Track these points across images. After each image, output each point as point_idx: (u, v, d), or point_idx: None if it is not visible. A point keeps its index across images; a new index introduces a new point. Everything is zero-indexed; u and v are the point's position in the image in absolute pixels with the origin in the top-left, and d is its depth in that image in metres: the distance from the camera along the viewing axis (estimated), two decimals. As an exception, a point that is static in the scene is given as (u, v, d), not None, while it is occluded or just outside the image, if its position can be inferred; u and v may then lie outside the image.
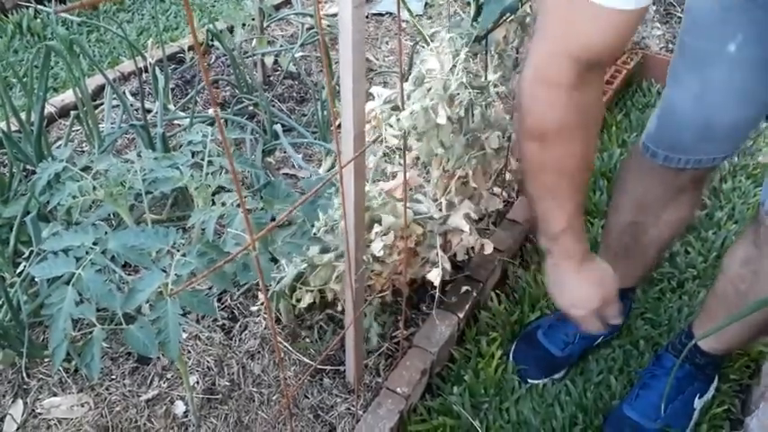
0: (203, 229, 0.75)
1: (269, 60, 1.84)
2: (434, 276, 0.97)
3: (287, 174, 1.59)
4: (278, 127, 1.47)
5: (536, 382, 1.22)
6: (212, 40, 1.93)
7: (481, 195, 1.07)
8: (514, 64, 1.14)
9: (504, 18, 1.04)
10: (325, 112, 1.58)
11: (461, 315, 1.21)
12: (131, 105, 1.66)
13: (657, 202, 1.10)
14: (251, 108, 1.69)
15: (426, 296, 1.27)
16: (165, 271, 0.70)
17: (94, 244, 0.71)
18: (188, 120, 1.43)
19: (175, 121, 1.61)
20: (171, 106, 1.65)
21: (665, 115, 1.00)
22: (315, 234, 0.98)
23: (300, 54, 1.82)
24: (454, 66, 0.84)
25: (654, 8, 2.34)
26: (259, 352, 1.15)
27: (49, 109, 1.67)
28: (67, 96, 1.74)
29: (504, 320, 1.30)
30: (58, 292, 0.68)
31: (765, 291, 0.96)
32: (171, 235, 0.73)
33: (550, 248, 0.88)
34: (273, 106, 1.74)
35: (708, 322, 1.11)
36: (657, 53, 2.13)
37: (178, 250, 0.73)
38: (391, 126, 0.83)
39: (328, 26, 2.00)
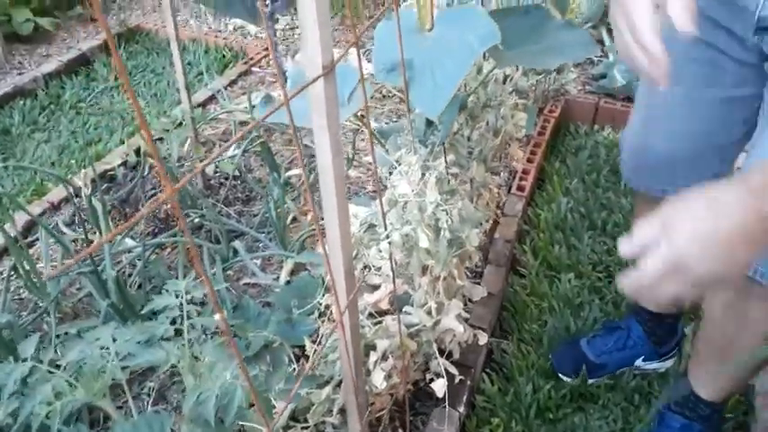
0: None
1: (209, 168, 1.79)
2: (439, 387, 0.94)
3: (247, 283, 1.53)
4: (237, 244, 1.41)
5: (565, 378, 1.35)
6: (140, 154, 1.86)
7: (466, 288, 1.06)
8: (468, 151, 1.16)
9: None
10: (278, 210, 1.54)
11: (462, 410, 1.17)
12: (66, 236, 1.56)
13: None
14: (197, 220, 1.63)
15: (420, 393, 1.24)
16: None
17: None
18: (139, 248, 1.35)
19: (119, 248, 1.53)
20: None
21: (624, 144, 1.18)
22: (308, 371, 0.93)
23: (238, 155, 1.78)
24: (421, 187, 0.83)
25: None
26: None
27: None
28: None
29: (501, 403, 1.28)
30: None
31: (753, 334, 0.99)
32: (166, 424, 0.67)
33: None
34: (220, 212, 1.69)
35: (700, 368, 1.13)
36: (577, 96, 2.23)
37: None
38: (379, 251, 0.80)
39: (259, 119, 1.98)
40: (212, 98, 2.24)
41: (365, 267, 1.03)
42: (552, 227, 1.73)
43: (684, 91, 0.99)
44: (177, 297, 0.79)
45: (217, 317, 0.48)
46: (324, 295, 0.98)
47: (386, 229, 0.78)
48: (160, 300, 0.78)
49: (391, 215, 0.82)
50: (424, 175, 0.87)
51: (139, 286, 1.43)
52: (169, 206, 1.72)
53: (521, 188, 1.74)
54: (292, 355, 1.11)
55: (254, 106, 1.97)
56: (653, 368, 1.38)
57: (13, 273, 1.48)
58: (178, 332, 0.77)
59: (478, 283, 1.38)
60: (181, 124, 1.73)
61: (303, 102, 0.61)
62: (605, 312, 1.51)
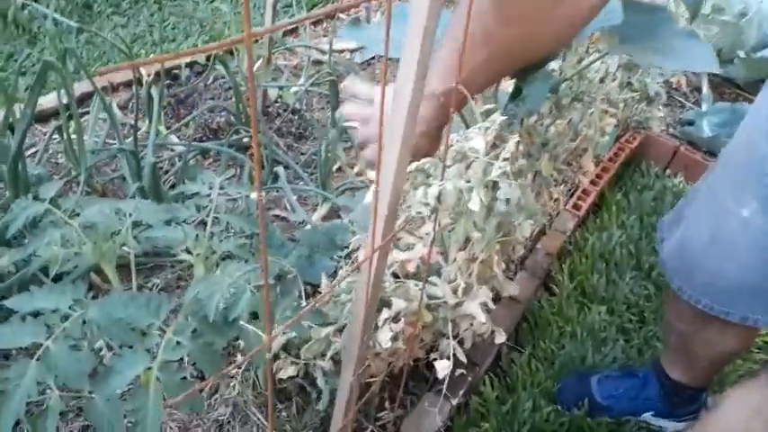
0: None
1: (272, 91, 1.75)
2: (442, 369, 0.88)
3: (277, 215, 1.49)
4: (280, 169, 1.37)
5: (560, 408, 1.27)
6: (211, 60, 1.83)
7: (498, 280, 0.99)
8: (543, 142, 1.08)
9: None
10: (328, 154, 1.49)
11: (455, 402, 1.11)
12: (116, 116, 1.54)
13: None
14: (246, 140, 1.59)
15: (416, 373, 1.18)
16: (149, 351, 0.59)
17: (71, 309, 0.59)
18: (182, 147, 1.32)
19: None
20: (162, 128, 1.53)
21: (681, 245, 0.97)
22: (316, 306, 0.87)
23: (303, 88, 1.73)
24: (495, 150, 0.76)
25: (658, 90, 2.35)
26: (230, 422, 1.03)
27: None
28: (47, 100, 1.61)
29: (495, 410, 1.21)
30: (17, 367, 0.56)
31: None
32: (164, 306, 0.62)
33: None
34: (270, 140, 1.64)
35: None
36: (659, 135, 2.12)
37: (168, 324, 0.62)
38: (425, 196, 0.74)
39: (335, 63, 1.93)
40: (294, 31, 2.20)
41: (406, 219, 0.96)
42: (597, 255, 1.64)
43: None
44: (210, 188, 0.74)
45: (253, 195, 0.43)
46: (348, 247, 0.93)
47: (443, 178, 0.72)
48: (192, 185, 0.74)
49: (452, 170, 0.75)
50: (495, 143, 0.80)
51: (172, 186, 1.40)
52: (223, 119, 1.69)
53: (576, 207, 1.66)
54: (304, 291, 1.07)
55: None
56: (661, 426, 1.29)
57: (56, 136, 1.47)
58: (202, 224, 0.73)
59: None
60: (256, 41, 1.69)
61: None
62: (627, 356, 1.42)
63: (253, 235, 1.27)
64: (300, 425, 1.04)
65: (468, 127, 0.79)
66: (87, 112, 1.58)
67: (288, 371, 0.95)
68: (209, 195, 0.72)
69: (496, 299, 1.35)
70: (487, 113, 0.74)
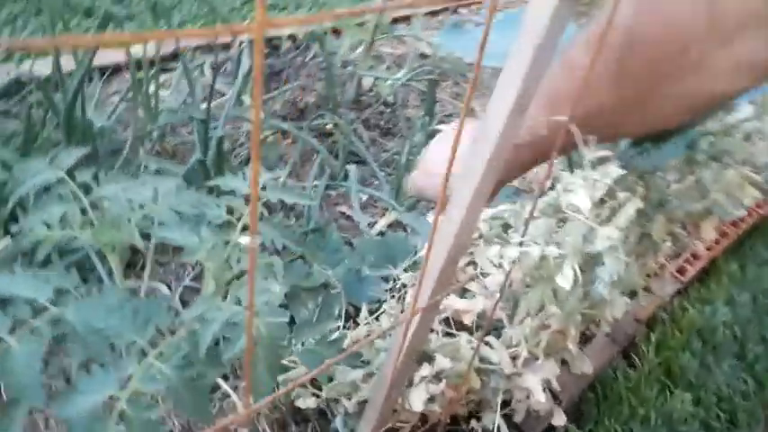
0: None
1: (368, 80, 1.64)
2: (479, 450, 0.73)
3: (343, 213, 1.38)
4: (352, 168, 1.25)
5: None
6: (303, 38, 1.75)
7: (570, 353, 0.83)
8: (660, 201, 0.89)
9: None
10: (411, 158, 1.36)
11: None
12: (203, 78, 1.48)
13: None
14: (329, 125, 1.49)
15: (455, 421, 1.03)
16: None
17: (53, 303, 0.50)
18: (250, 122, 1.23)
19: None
20: (246, 98, 1.46)
21: None
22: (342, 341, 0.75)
23: (399, 81, 1.60)
24: (600, 208, 0.60)
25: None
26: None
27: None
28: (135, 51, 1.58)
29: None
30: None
31: None
32: (154, 320, 0.52)
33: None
34: (355, 131, 1.53)
35: None
36: (795, 205, 1.82)
37: (155, 346, 0.51)
38: (500, 257, 0.59)
39: (441, 59, 1.79)
40: (406, 19, 2.07)
41: (470, 264, 0.82)
42: (694, 332, 1.41)
43: None
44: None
45: (244, 239, 0.31)
46: (407, 269, 0.79)
47: (523, 236, 0.57)
48: (230, 180, 0.63)
49: (539, 225, 0.60)
50: (603, 200, 0.63)
51: (246, 161, 1.33)
52: (312, 100, 1.60)
53: (681, 271, 1.43)
54: (344, 311, 0.95)
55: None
56: None
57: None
58: (231, 225, 0.62)
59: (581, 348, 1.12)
60: (362, 25, 1.58)
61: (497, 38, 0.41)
62: (706, 459, 1.21)
63: (315, 231, 1.16)
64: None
65: (571, 171, 0.63)
66: (174, 69, 1.54)
67: (307, 401, 0.83)
68: (246, 196, 0.62)
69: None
70: (599, 161, 0.58)
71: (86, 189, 0.57)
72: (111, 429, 0.46)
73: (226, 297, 0.55)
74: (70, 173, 0.61)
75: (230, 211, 0.61)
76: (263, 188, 0.64)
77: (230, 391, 0.38)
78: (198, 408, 0.50)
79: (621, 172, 0.58)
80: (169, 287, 1.01)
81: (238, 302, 0.52)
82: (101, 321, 0.49)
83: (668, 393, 1.28)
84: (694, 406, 1.28)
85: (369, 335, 0.77)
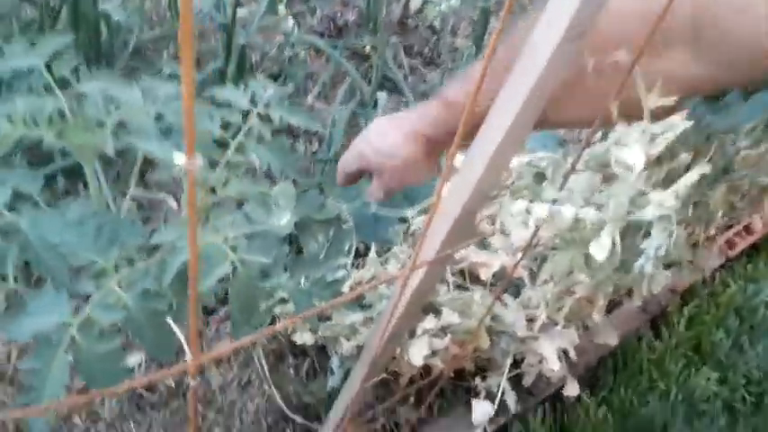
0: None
1: (416, 2, 1.50)
2: (481, 414, 0.68)
3: (371, 143, 1.29)
4: (382, 95, 1.15)
5: None
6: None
7: (594, 322, 0.75)
8: (725, 167, 0.78)
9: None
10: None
11: (490, 431, 0.91)
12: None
13: None
14: (368, 48, 1.38)
15: (458, 375, 0.98)
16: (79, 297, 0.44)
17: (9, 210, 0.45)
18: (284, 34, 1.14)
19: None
20: (283, 8, 1.36)
21: None
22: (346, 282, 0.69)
23: (450, 7, 1.47)
24: (655, 168, 0.50)
25: None
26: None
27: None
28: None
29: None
30: None
31: None
32: (126, 237, 0.46)
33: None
34: (394, 57, 1.42)
35: None
36: None
37: (117, 270, 0.46)
38: (527, 212, 0.51)
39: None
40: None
41: (488, 218, 0.73)
42: (732, 309, 1.31)
43: None
44: (253, 102, 0.56)
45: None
46: (421, 212, 0.72)
47: (560, 190, 0.48)
48: (229, 92, 0.55)
49: (580, 180, 0.51)
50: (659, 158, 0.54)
51: (275, 77, 1.25)
52: (353, 18, 1.48)
53: (730, 244, 1.32)
54: (354, 248, 0.88)
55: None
56: None
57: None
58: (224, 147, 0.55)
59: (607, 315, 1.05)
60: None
61: None
62: (724, 441, 1.14)
63: (326, 162, 1.08)
64: (305, 390, 0.90)
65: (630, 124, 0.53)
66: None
67: (304, 337, 0.79)
68: (246, 112, 0.54)
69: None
70: (664, 112, 0.48)
71: (64, 84, 0.51)
72: (59, 358, 0.41)
73: (207, 223, 0.48)
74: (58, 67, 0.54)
75: (225, 126, 0.54)
76: (267, 105, 0.56)
77: (181, 336, 0.33)
78: (159, 345, 0.45)
79: (688, 124, 0.48)
80: (177, 201, 0.96)
81: (217, 231, 0.46)
82: (56, 236, 0.43)
83: (693, 369, 1.20)
84: (719, 385, 1.20)
85: (373, 278, 0.71)
